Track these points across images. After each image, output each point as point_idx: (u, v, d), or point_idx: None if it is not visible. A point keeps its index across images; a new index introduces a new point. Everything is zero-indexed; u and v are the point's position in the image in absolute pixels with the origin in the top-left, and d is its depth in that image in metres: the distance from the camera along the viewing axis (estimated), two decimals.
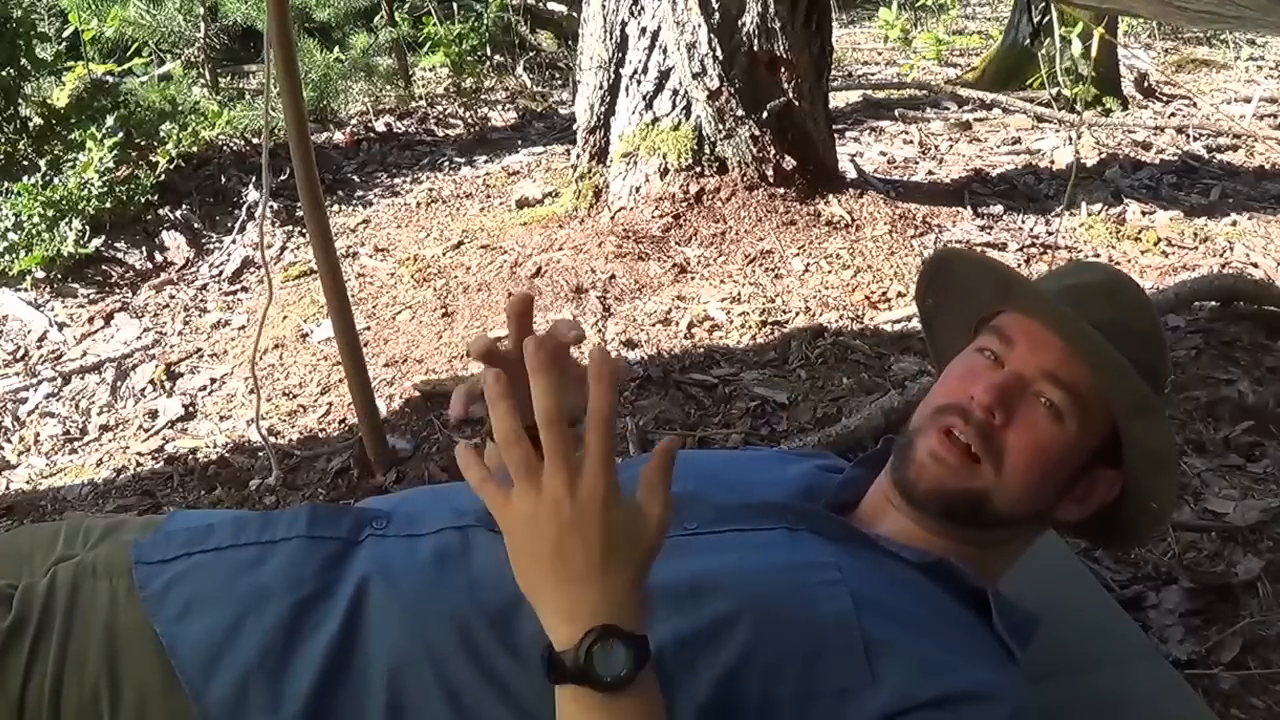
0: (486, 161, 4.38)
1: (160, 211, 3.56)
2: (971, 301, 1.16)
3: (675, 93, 3.16)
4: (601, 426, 0.76)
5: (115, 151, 3.37)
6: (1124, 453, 1.06)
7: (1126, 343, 1.02)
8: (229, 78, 5.29)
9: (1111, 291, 1.11)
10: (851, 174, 3.69)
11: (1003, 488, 1.04)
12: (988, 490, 1.04)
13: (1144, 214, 3.41)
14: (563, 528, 0.77)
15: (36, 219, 3.17)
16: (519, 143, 4.65)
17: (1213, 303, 2.63)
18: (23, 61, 3.55)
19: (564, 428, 0.76)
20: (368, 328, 2.70)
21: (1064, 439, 1.03)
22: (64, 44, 3.97)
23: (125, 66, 4.35)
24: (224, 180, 3.86)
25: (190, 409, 2.49)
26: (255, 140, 4.11)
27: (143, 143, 3.67)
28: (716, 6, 3.07)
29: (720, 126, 3.14)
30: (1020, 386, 1.04)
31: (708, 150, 3.17)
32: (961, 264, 1.21)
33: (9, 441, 2.45)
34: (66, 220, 3.21)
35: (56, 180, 3.30)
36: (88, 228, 3.26)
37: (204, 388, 2.59)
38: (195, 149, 3.83)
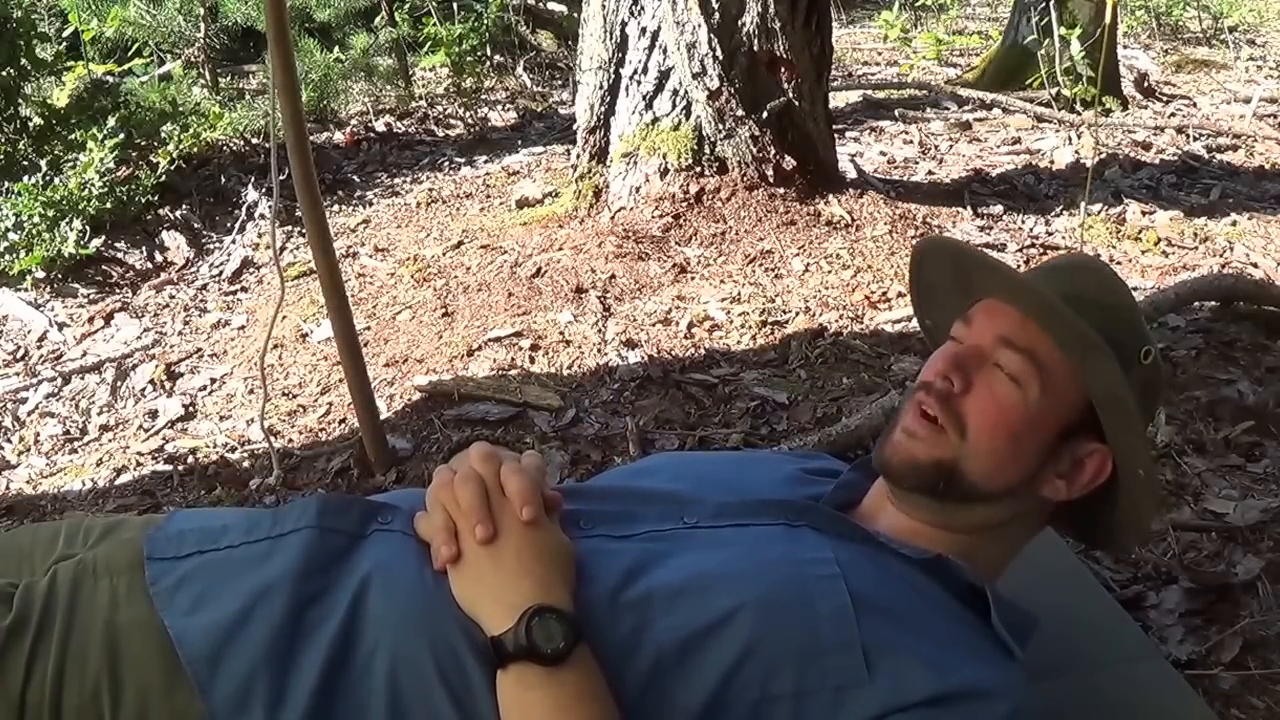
0: (486, 161, 4.38)
1: (160, 211, 3.56)
2: (955, 307, 1.18)
3: (675, 93, 3.16)
4: (518, 482, 1.01)
5: (116, 152, 3.37)
6: (1096, 410, 1.06)
7: (1083, 308, 1.04)
8: (229, 78, 5.30)
9: (1076, 269, 1.14)
10: (851, 174, 3.69)
11: (971, 455, 1.05)
12: (957, 459, 1.06)
13: (1144, 214, 3.40)
14: (495, 548, 0.96)
15: (37, 219, 3.18)
16: (519, 143, 4.65)
17: (1213, 303, 2.63)
18: (23, 61, 3.55)
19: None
20: (368, 328, 2.70)
21: (1025, 403, 1.05)
22: (64, 44, 3.97)
23: (125, 67, 4.35)
24: (224, 180, 3.86)
25: (190, 409, 2.49)
26: (255, 140, 4.11)
27: (143, 143, 3.67)
28: (716, 6, 3.07)
29: (720, 126, 3.14)
30: (978, 356, 1.07)
31: (708, 150, 3.17)
32: (932, 264, 1.23)
33: (9, 441, 2.45)
34: (67, 220, 3.21)
35: (57, 180, 3.30)
36: (88, 228, 3.26)
37: (204, 388, 2.59)
38: (195, 149, 3.83)
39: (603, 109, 3.31)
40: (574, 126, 3.56)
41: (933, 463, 1.06)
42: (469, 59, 4.94)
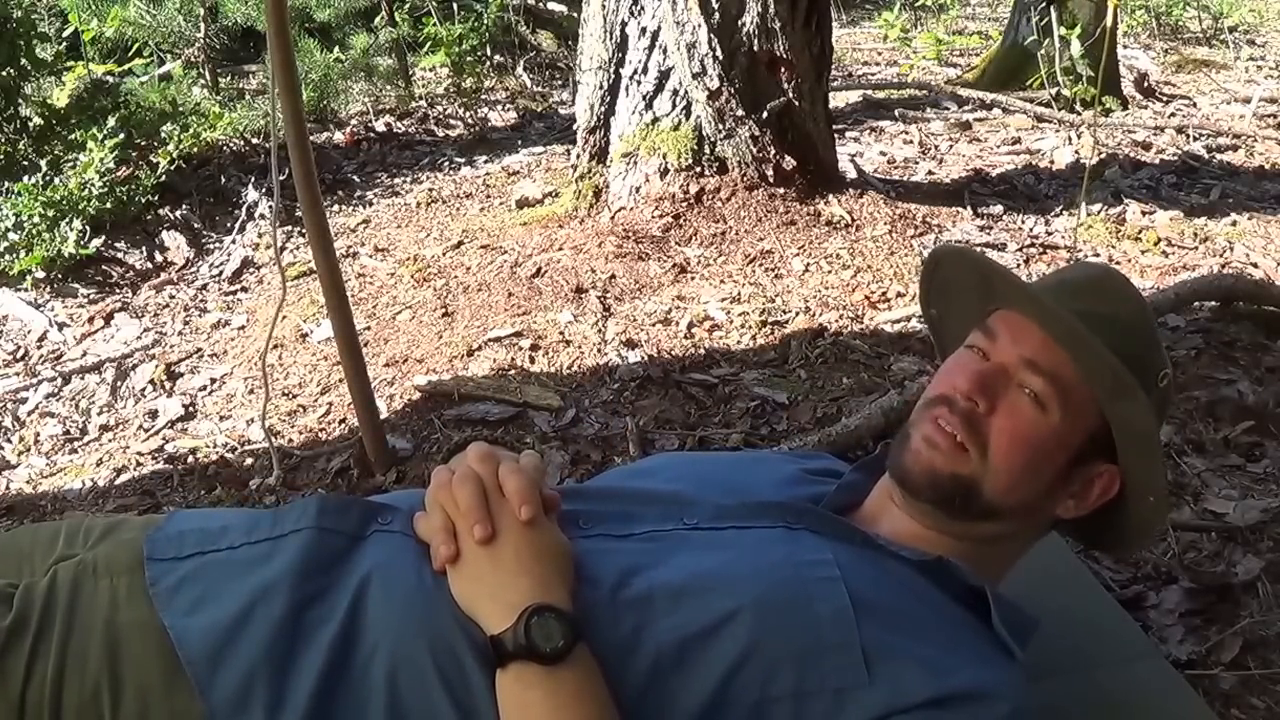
0: (486, 161, 4.38)
1: (160, 211, 3.56)
2: (968, 305, 1.17)
3: (675, 93, 3.16)
4: (516, 482, 1.00)
5: (116, 152, 3.37)
6: (1116, 440, 1.06)
7: (1110, 333, 1.03)
8: (229, 78, 5.30)
9: (1098, 285, 1.12)
10: (851, 174, 3.69)
11: (991, 475, 1.05)
12: (977, 477, 1.05)
13: (1144, 214, 3.40)
14: (494, 548, 0.96)
15: (37, 219, 3.18)
16: (519, 143, 4.65)
17: (1213, 303, 2.63)
18: (23, 61, 3.55)
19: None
20: (368, 328, 2.70)
21: (1048, 426, 1.04)
22: (64, 44, 3.97)
23: (125, 67, 4.35)
24: (224, 180, 3.86)
25: (190, 409, 2.49)
26: (255, 140, 4.11)
27: (143, 143, 3.67)
28: (716, 6, 3.07)
29: (720, 126, 3.14)
30: (1003, 376, 1.06)
31: (708, 150, 3.17)
32: (951, 266, 1.22)
33: (9, 441, 2.45)
34: (67, 220, 3.21)
35: (57, 180, 3.30)
36: (88, 228, 3.26)
37: (204, 388, 2.59)
38: (195, 149, 3.83)
39: (603, 109, 3.31)
40: (574, 126, 3.56)
41: (952, 476, 1.06)
42: (469, 59, 4.94)
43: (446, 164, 4.36)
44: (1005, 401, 1.05)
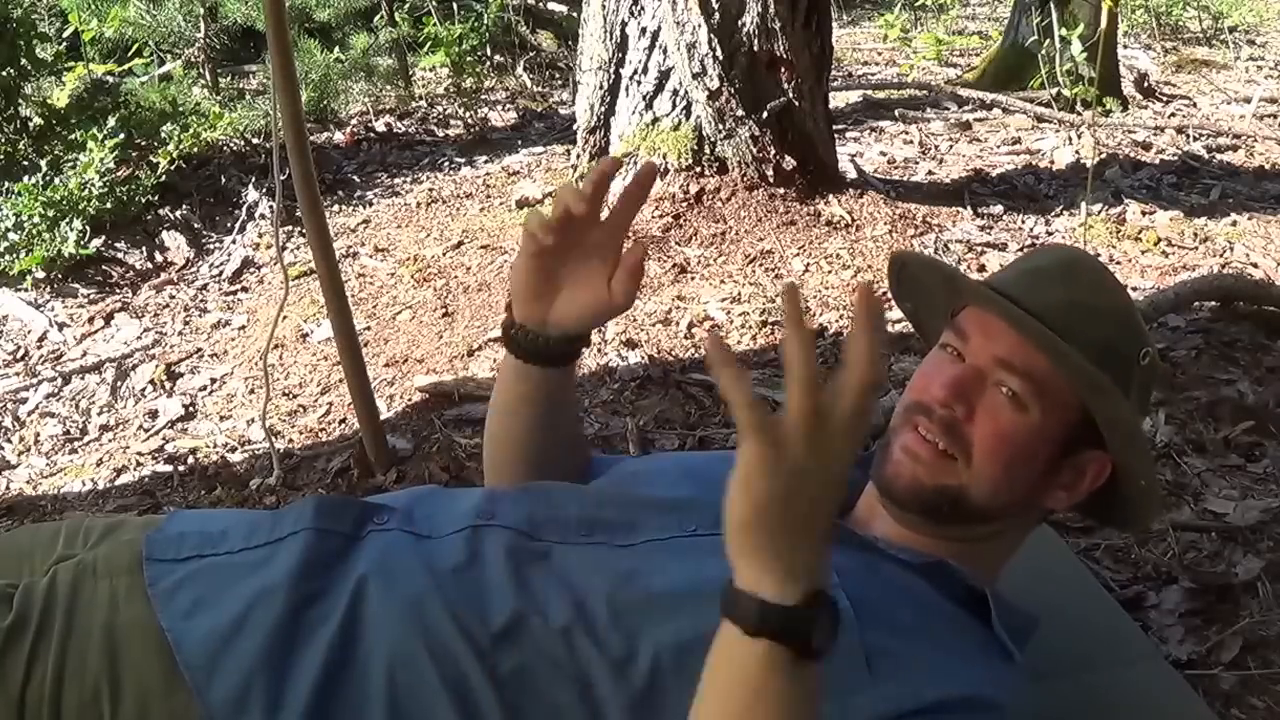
0: (486, 161, 4.37)
1: (160, 211, 3.56)
2: (936, 301, 1.17)
3: (675, 93, 3.16)
4: (858, 386, 0.77)
5: (116, 152, 3.37)
6: (1101, 430, 1.05)
7: (1081, 320, 1.02)
8: (229, 78, 5.29)
9: (1066, 272, 1.10)
10: (851, 174, 3.69)
11: (976, 480, 1.04)
12: (963, 485, 1.04)
13: (1144, 214, 3.40)
14: (797, 476, 0.78)
15: (37, 219, 3.17)
16: (519, 143, 4.65)
17: (1213, 303, 2.63)
18: (23, 61, 3.55)
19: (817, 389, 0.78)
20: (368, 328, 2.70)
21: (1028, 425, 1.03)
22: (64, 44, 3.97)
23: (125, 67, 4.35)
24: (224, 180, 3.86)
25: (190, 409, 2.49)
26: (255, 140, 4.11)
27: (143, 143, 3.67)
28: (716, 6, 3.07)
29: (720, 126, 3.14)
30: (978, 379, 1.04)
31: (708, 150, 3.17)
32: (915, 266, 1.22)
33: (9, 441, 2.45)
34: (67, 220, 3.21)
35: (57, 180, 3.30)
36: (88, 228, 3.26)
37: (204, 388, 2.59)
38: (196, 149, 3.83)
39: (603, 109, 3.31)
40: (574, 126, 3.56)
41: (937, 488, 1.05)
42: (469, 59, 4.93)
43: (446, 164, 4.36)
44: (983, 404, 1.04)
